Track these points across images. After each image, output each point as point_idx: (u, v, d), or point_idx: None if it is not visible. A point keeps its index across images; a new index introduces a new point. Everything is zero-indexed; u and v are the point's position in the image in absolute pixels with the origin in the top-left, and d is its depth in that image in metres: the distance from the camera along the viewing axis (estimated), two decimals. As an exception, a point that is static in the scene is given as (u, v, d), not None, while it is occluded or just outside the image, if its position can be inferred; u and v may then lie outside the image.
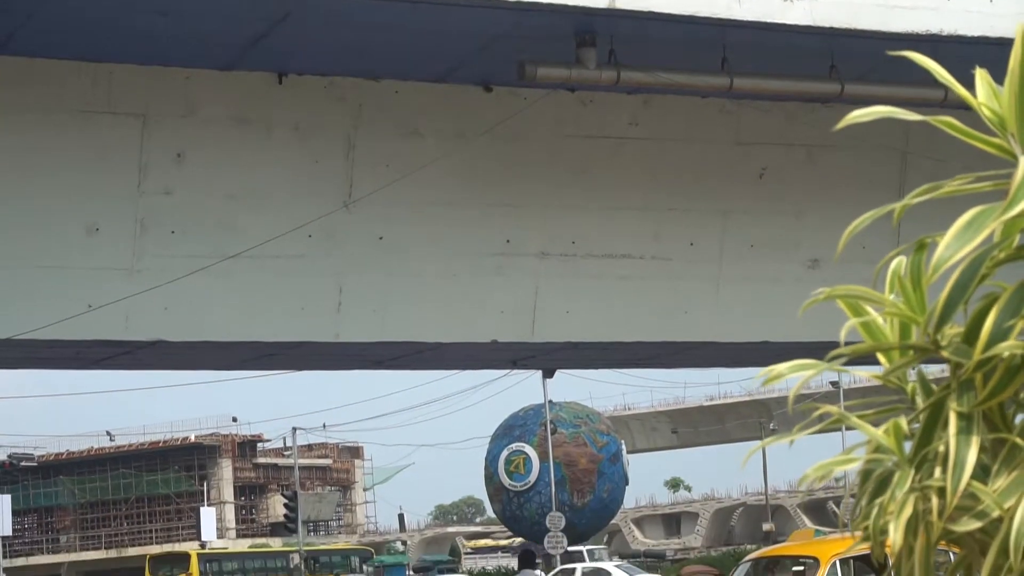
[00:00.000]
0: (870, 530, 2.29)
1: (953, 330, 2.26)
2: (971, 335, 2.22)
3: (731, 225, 18.29)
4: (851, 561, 15.86)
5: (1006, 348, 2.19)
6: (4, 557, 60.95)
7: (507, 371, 47.97)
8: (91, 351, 17.10)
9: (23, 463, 72.21)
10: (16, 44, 14.80)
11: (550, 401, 57.18)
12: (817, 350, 2.42)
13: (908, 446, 2.33)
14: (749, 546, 68.10)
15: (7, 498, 58.40)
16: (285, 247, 16.01)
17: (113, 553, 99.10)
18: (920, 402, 2.35)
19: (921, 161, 17.54)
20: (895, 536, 2.22)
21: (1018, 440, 2.24)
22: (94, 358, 17.88)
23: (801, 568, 15.86)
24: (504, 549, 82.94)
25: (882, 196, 2.19)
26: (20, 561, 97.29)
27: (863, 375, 2.48)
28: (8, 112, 15.22)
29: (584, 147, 17.50)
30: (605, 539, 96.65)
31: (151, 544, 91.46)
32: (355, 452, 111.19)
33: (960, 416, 2.22)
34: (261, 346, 17.41)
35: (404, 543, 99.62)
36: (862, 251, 12.52)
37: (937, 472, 2.23)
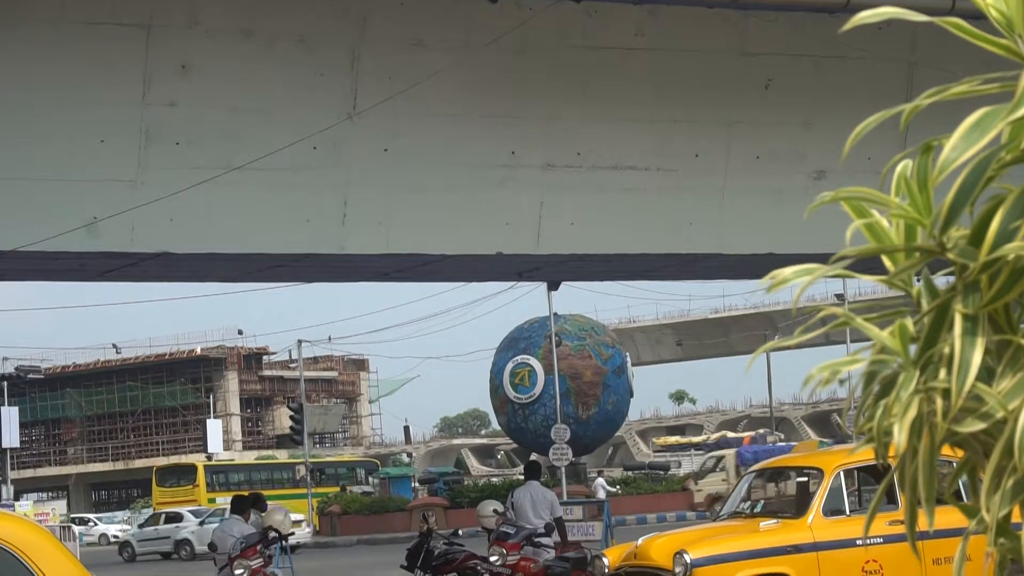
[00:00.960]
0: (874, 431, 2.30)
1: (959, 232, 2.27)
2: (977, 237, 2.22)
3: (736, 136, 18.25)
4: (855, 472, 15.93)
5: (1012, 250, 2.19)
6: (12, 469, 61.32)
7: (512, 284, 48.03)
8: (97, 263, 17.12)
9: (30, 376, 72.52)
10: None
11: (555, 314, 57.15)
12: (822, 261, 2.42)
13: (913, 350, 2.33)
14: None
15: (14, 410, 58.67)
16: (290, 159, 16.00)
17: (120, 465, 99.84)
18: (925, 305, 2.36)
19: (928, 72, 17.45)
20: (899, 437, 2.23)
21: (1023, 341, 2.25)
22: (100, 270, 17.90)
23: (805, 479, 15.92)
24: (697, 447, 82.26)
25: (889, 106, 2.17)
26: (28, 473, 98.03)
27: (869, 280, 2.47)
28: (14, 24, 15.16)
29: (589, 58, 17.43)
30: (609, 451, 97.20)
31: (158, 456, 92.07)
32: (360, 365, 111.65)
33: (965, 318, 2.22)
34: (266, 258, 17.43)
35: (410, 455, 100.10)
36: (868, 162, 12.53)
37: (942, 374, 2.24)
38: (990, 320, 2.25)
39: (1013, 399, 2.20)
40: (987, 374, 2.24)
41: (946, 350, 2.24)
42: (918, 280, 2.40)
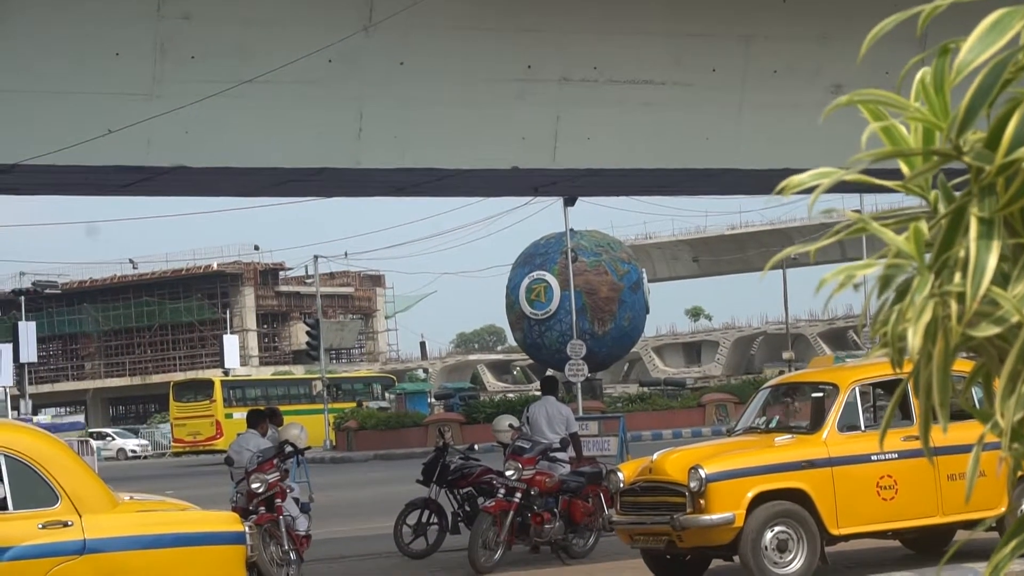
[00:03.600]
0: (889, 336, 2.30)
1: (975, 135, 2.26)
2: (993, 140, 2.21)
3: (753, 51, 18.16)
4: (871, 387, 15.97)
5: (1029, 153, 2.18)
6: (30, 383, 61.66)
7: (528, 199, 48.02)
8: (113, 177, 17.13)
9: (47, 291, 72.79)
10: None
11: (571, 229, 57.22)
12: (839, 177, 2.41)
13: (928, 255, 2.33)
14: (772, 369, 68.62)
15: (32, 325, 58.98)
16: (304, 72, 15.95)
17: (137, 380, 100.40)
18: (941, 210, 2.35)
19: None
20: (914, 341, 2.23)
21: (1039, 245, 2.24)
22: (116, 184, 17.91)
23: (820, 395, 15.95)
24: None
25: (905, 20, 2.16)
26: (46, 387, 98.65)
27: (886, 185, 2.46)
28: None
29: (606, -29, 17.36)
30: (625, 367, 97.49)
31: (175, 371, 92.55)
32: (377, 280, 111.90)
33: (981, 221, 2.22)
34: (282, 172, 17.43)
35: (426, 371, 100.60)
36: (885, 76, 12.48)
37: (957, 277, 2.23)
38: (1006, 224, 2.25)
39: (1029, 303, 2.19)
40: (1002, 278, 2.24)
41: (961, 254, 2.23)
42: (934, 186, 2.39)
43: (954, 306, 2.22)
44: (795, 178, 2.45)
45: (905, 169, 2.39)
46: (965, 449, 12.72)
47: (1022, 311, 2.20)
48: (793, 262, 74.59)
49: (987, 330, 2.23)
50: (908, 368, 2.33)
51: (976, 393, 2.48)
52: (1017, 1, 2.19)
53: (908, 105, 2.32)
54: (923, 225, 2.30)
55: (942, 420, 2.34)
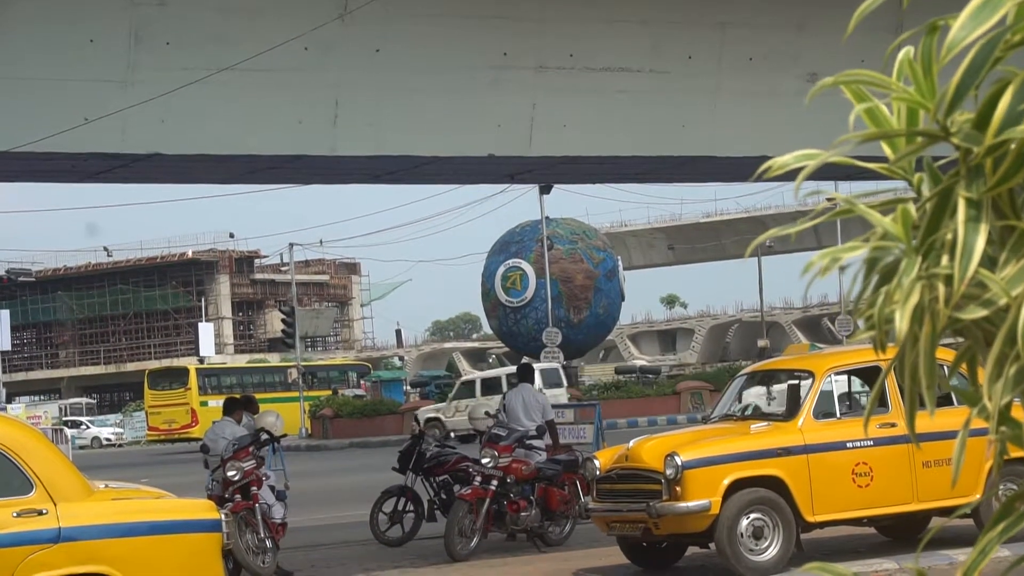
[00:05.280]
0: (875, 319, 2.28)
1: (963, 116, 2.24)
2: (982, 120, 2.20)
3: (729, 38, 18.16)
4: (846, 375, 16.01)
5: (1019, 133, 2.16)
6: (4, 372, 61.52)
7: (504, 186, 47.95)
8: (88, 164, 17.07)
9: (21, 278, 72.50)
10: None
11: (547, 217, 57.31)
12: (816, 165, 2.38)
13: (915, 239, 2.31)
14: (744, 362, 68.77)
15: (5, 313, 58.85)
16: (280, 60, 15.90)
17: (112, 368, 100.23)
18: (927, 192, 2.33)
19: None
20: (901, 324, 2.21)
21: (1027, 227, 2.23)
22: (92, 171, 17.85)
23: (796, 382, 15.98)
24: None
25: (883, 9, 2.14)
26: (20, 376, 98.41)
27: (870, 167, 2.44)
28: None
29: (582, -42, 17.34)
30: (601, 355, 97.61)
31: (150, 359, 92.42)
32: (352, 268, 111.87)
33: (969, 203, 2.20)
34: (258, 159, 17.39)
35: (401, 359, 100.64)
36: (861, 64, 12.46)
37: (944, 260, 2.22)
38: (994, 205, 2.23)
39: (1016, 285, 2.18)
40: (990, 261, 2.22)
41: (949, 236, 2.21)
42: (917, 169, 2.37)
43: (941, 288, 2.21)
44: (779, 159, 2.42)
45: (888, 152, 2.37)
46: (941, 436, 12.73)
47: (1010, 294, 2.18)
48: (768, 250, 74.67)
49: (975, 312, 2.22)
50: (890, 354, 2.31)
51: (958, 379, 2.47)
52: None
53: (893, 84, 2.30)
54: (911, 208, 2.28)
55: (929, 405, 2.33)
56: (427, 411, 50.86)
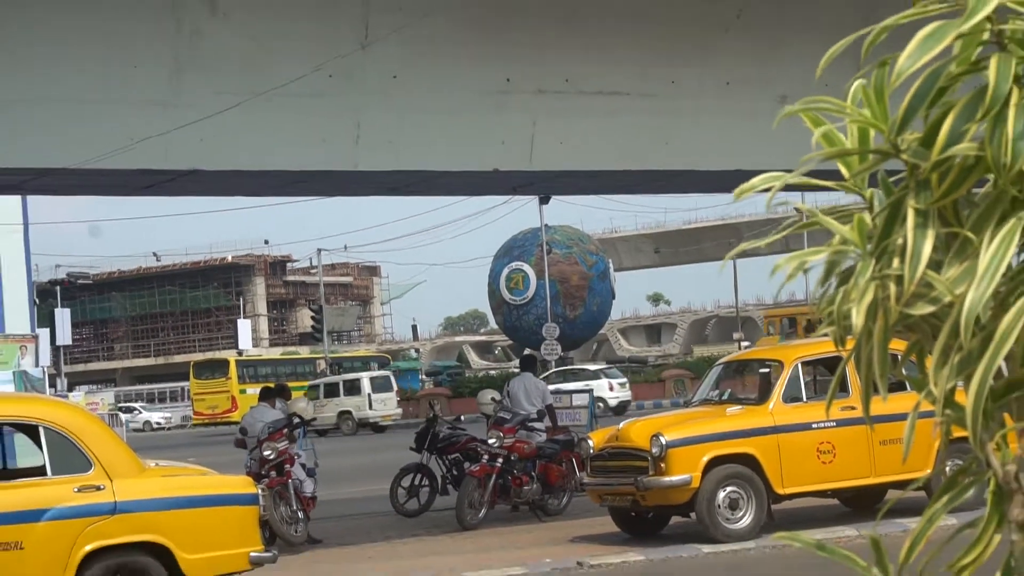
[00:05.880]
0: (834, 315, 2.29)
1: (912, 136, 2.24)
2: (928, 139, 2.20)
3: (709, 65, 18.13)
4: (812, 364, 16.01)
5: (961, 150, 2.17)
6: (65, 364, 61.44)
7: (508, 197, 47.91)
8: (136, 179, 17.06)
9: (80, 281, 72.54)
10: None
11: (546, 225, 57.29)
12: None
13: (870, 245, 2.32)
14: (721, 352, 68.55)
15: (67, 312, 58.64)
16: (307, 85, 15.89)
17: (161, 360, 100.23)
18: (877, 206, 2.34)
19: (883, 10, 17.31)
20: (857, 319, 2.22)
21: (969, 234, 2.23)
22: (139, 185, 17.84)
23: (767, 370, 15.98)
24: None
25: (844, 32, 2.15)
26: (79, 367, 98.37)
27: (828, 186, 2.45)
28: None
29: (577, -6, 17.31)
30: (594, 347, 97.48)
31: (194, 352, 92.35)
32: (373, 271, 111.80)
33: (917, 212, 2.21)
34: (288, 174, 17.37)
35: (417, 351, 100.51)
36: (825, 88, 12.43)
37: (895, 263, 2.22)
38: (939, 215, 2.24)
39: (959, 285, 2.19)
40: (936, 263, 2.23)
41: (899, 242, 2.22)
42: (870, 185, 2.38)
43: (893, 288, 2.21)
44: (747, 184, 2.43)
45: (844, 170, 2.38)
46: (896, 418, 12.72)
47: (954, 292, 2.19)
48: (742, 254, 74.31)
49: (922, 309, 2.22)
50: (849, 345, 2.32)
51: (907, 368, 2.47)
52: (951, 15, 2.18)
53: (849, 108, 2.32)
54: (866, 216, 2.29)
55: (882, 391, 2.33)
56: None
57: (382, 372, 55.61)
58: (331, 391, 52.60)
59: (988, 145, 2.14)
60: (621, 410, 40.47)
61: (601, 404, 35.25)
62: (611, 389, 47.34)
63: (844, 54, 2.51)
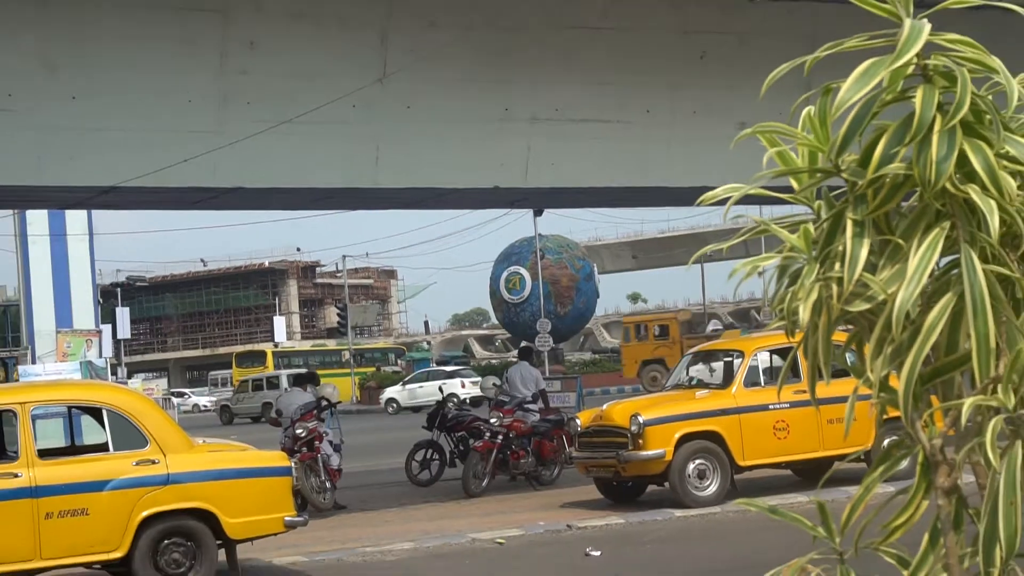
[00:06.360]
0: (785, 311, 2.30)
1: (850, 157, 2.25)
2: (864, 160, 2.21)
3: (679, 96, 18.14)
4: (769, 353, 16.01)
5: (892, 169, 2.18)
6: (125, 355, 61.34)
7: (506, 211, 47.86)
8: (187, 196, 17.06)
9: (137, 283, 72.54)
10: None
11: (539, 234, 57.23)
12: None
13: (815, 251, 2.32)
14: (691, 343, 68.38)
15: (126, 310, 58.59)
16: (333, 114, 15.90)
17: (208, 351, 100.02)
18: (824, 215, 2.35)
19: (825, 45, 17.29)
20: (804, 315, 2.23)
21: (900, 241, 2.24)
22: (190, 200, 17.84)
23: (730, 359, 15.98)
24: None
25: (795, 71, 2.16)
26: (137, 358, 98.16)
27: (781, 198, 2.45)
28: (122, 7, 15.00)
29: (565, 35, 17.29)
30: (581, 339, 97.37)
31: (236, 344, 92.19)
32: (391, 274, 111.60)
33: (855, 223, 2.22)
34: (317, 191, 17.37)
35: (428, 343, 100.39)
36: (778, 116, 12.43)
37: (837, 266, 2.23)
38: (874, 224, 2.25)
39: (891, 285, 2.19)
40: (872, 266, 2.24)
41: (840, 248, 2.23)
42: (817, 198, 2.39)
43: (835, 288, 2.22)
44: (710, 193, 2.44)
45: (795, 184, 2.39)
46: (839, 400, 12.71)
47: (887, 291, 2.20)
48: (709, 258, 74.41)
49: (860, 306, 2.23)
50: (798, 337, 2.33)
51: (850, 356, 2.48)
52: (881, 52, 2.19)
53: (797, 133, 2.32)
54: (810, 226, 2.30)
55: (825, 376, 2.34)
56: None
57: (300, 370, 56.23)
58: (257, 386, 53.81)
59: (915, 165, 2.15)
60: (476, 403, 40.62)
61: (455, 399, 38.55)
62: (463, 387, 47.86)
63: (795, 86, 2.52)
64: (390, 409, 50.93)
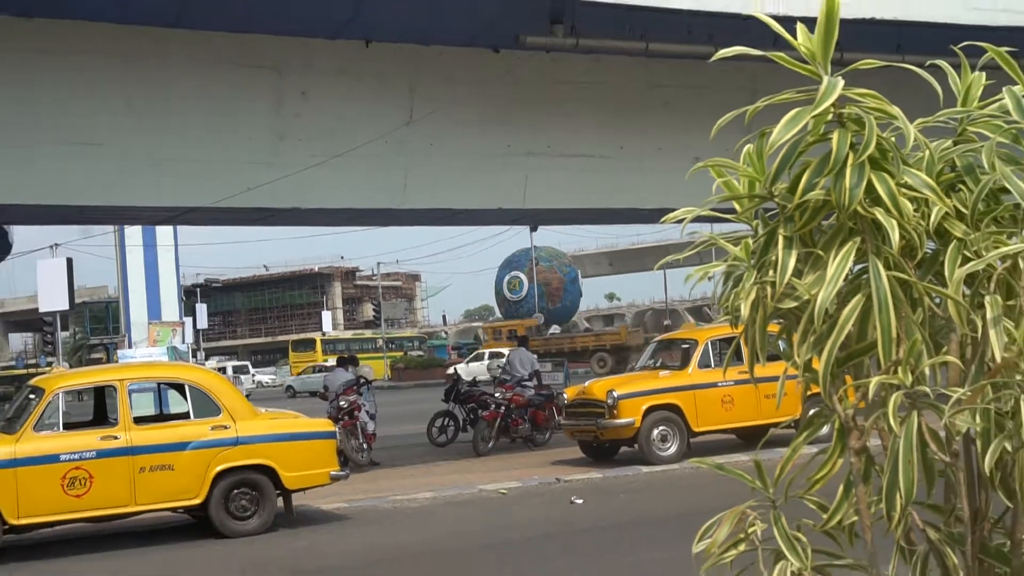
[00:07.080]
0: (730, 308, 2.31)
1: (782, 185, 2.27)
2: (792, 188, 2.23)
3: (647, 136, 18.15)
4: (718, 341, 16.01)
5: (814, 195, 2.19)
6: (203, 341, 61.32)
7: (508, 227, 47.84)
8: (252, 215, 17.08)
9: (212, 284, 72.51)
10: (186, 21, 14.56)
11: (534, 246, 57.23)
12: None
13: (753, 260, 2.33)
14: (655, 334, 68.36)
15: (204, 306, 58.67)
16: (370, 150, 15.91)
17: (268, 339, 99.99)
18: (761, 231, 2.36)
19: (764, 97, 17.26)
20: (744, 311, 2.24)
21: (820, 252, 2.25)
22: (254, 219, 17.85)
23: (687, 346, 15.98)
24: None
25: (738, 117, 2.19)
26: (212, 344, 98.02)
27: (727, 218, 2.47)
28: (200, 65, 15.01)
29: (556, 88, 17.29)
30: (569, 329, 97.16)
31: (292, 333, 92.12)
32: (416, 277, 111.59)
33: (785, 238, 2.23)
34: (357, 211, 17.38)
35: (445, 333, 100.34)
36: (726, 152, 12.45)
37: (771, 272, 2.24)
38: (800, 239, 2.26)
39: (814, 287, 2.21)
40: (798, 272, 2.25)
41: (773, 258, 2.24)
42: (756, 217, 2.40)
43: (769, 290, 2.24)
44: (671, 214, 2.45)
45: (737, 207, 2.40)
46: (774, 379, 12.72)
47: (810, 292, 2.21)
48: (670, 265, 74.29)
49: (789, 304, 2.24)
50: (740, 329, 2.34)
51: (781, 344, 2.50)
52: (806, 103, 2.20)
53: (739, 167, 2.34)
54: (750, 241, 2.31)
55: (762, 359, 2.35)
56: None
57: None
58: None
59: (833, 192, 2.16)
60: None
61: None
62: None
63: (737, 130, 2.53)
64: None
